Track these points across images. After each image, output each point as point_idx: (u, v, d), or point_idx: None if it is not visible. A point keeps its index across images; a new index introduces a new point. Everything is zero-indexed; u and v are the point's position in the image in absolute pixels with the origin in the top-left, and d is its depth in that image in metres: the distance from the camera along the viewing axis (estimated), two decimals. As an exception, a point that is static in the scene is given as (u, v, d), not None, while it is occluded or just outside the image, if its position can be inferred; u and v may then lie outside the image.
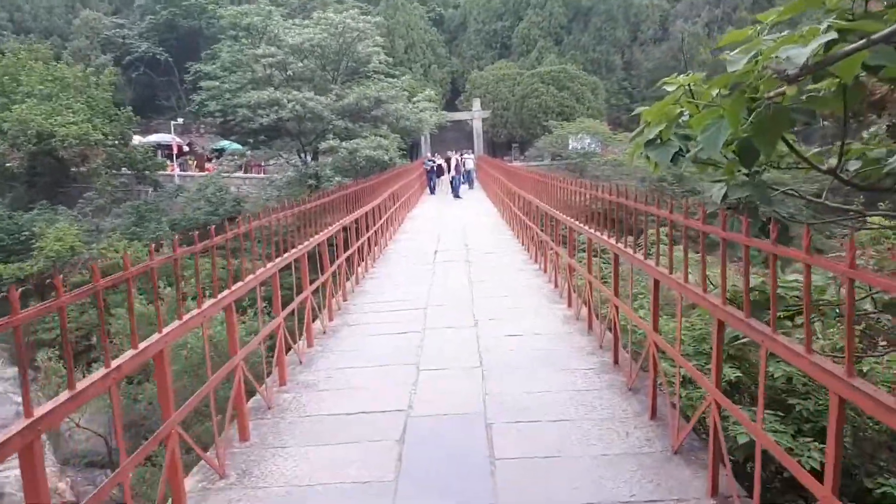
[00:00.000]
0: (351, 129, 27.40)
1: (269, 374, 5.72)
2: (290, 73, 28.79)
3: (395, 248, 13.69)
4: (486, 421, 4.66)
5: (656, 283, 4.49)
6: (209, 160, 37.08)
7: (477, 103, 45.88)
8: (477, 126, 46.37)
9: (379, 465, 4.08)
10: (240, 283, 4.74)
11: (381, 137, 26.44)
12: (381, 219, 13.17)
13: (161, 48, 43.92)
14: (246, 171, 34.42)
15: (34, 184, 30.10)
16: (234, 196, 29.52)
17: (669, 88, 3.68)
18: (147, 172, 32.05)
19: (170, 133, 37.44)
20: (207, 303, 4.11)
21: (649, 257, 4.73)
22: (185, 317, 3.72)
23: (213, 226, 4.43)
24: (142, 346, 3.17)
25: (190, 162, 37.60)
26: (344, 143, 25.67)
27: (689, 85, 3.64)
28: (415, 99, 32.49)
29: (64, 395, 2.56)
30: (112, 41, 43.16)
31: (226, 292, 4.45)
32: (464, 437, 4.42)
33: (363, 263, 10.82)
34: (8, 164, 28.87)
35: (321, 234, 7.61)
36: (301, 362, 6.21)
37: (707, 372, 3.99)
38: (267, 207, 6.18)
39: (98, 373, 2.80)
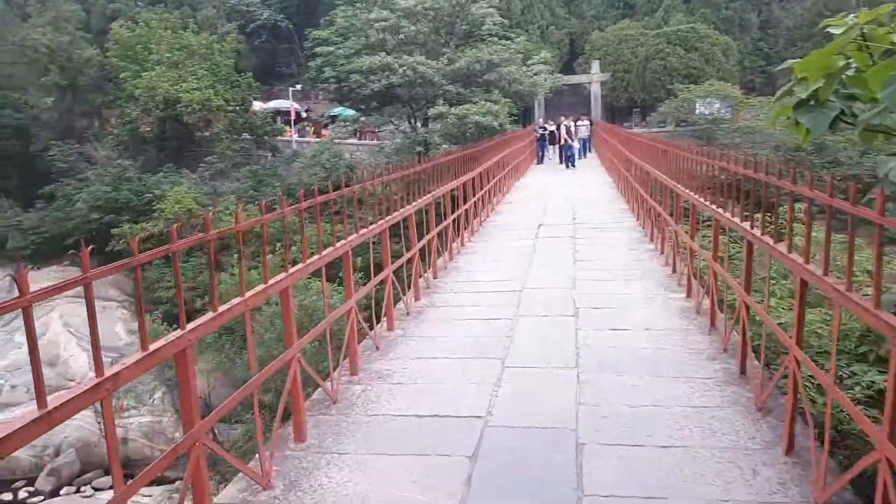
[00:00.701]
0: (462, 94, 26.63)
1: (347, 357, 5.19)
2: (402, 37, 28.33)
3: (496, 221, 12.90)
4: (578, 440, 3.88)
5: (803, 283, 3.50)
6: (325, 126, 37.60)
7: (596, 66, 43.73)
8: (595, 90, 44.26)
9: (443, 488, 3.43)
10: (329, 249, 4.63)
11: (491, 103, 25.49)
12: (482, 189, 12.43)
13: (282, 15, 44.85)
14: (360, 138, 34.61)
15: (163, 147, 31.60)
16: (347, 162, 29.70)
17: (835, 31, 2.74)
18: (266, 138, 32.85)
19: (289, 99, 38.27)
20: (294, 268, 4.04)
21: (794, 250, 3.73)
22: (271, 281, 3.67)
23: (315, 187, 4.53)
24: (221, 308, 3.16)
25: (308, 128, 38.30)
26: (453, 109, 24.97)
27: (861, 26, 2.68)
28: (529, 62, 31.19)
29: (136, 355, 2.57)
30: (237, 9, 44.46)
31: (315, 258, 4.38)
32: (548, 460, 3.68)
33: (459, 237, 10.16)
34: (140, 129, 30.37)
35: (409, 206, 7.00)
36: (378, 348, 5.66)
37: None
38: (366, 173, 5.83)
39: (174, 334, 2.83)
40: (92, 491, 17.29)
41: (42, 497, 16.91)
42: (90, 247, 2.52)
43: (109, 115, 34.41)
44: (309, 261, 4.28)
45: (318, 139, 34.45)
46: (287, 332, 4.03)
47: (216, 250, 3.26)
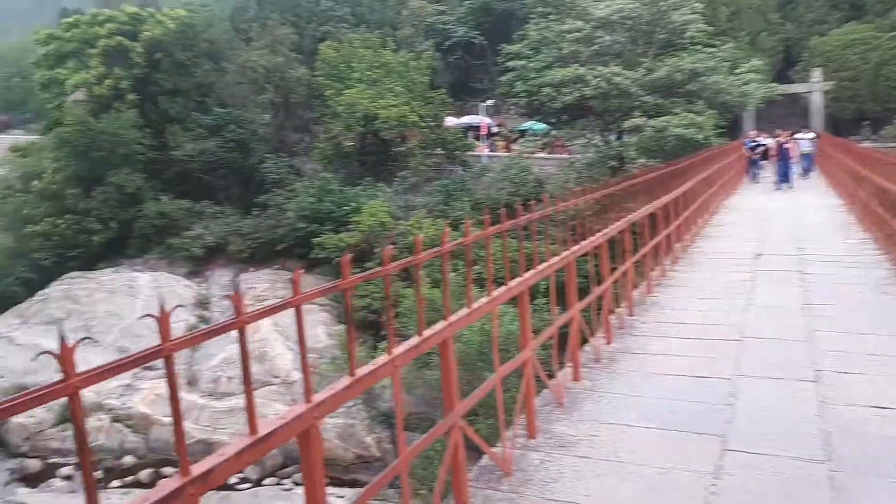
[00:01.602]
0: (661, 105, 24.86)
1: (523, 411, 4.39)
2: (596, 47, 27.14)
3: (703, 248, 11.34)
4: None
5: None
6: (514, 141, 37.31)
7: (817, 74, 39.12)
8: (815, 100, 39.61)
9: None
10: (531, 272, 4.39)
11: (694, 114, 23.48)
12: (686, 210, 11.04)
13: (476, 32, 45.43)
14: (551, 152, 33.85)
15: (364, 162, 33.06)
16: (535, 177, 29.06)
17: None
18: (457, 153, 33.20)
19: (480, 115, 38.45)
20: (498, 290, 3.89)
21: None
22: (474, 305, 3.56)
23: (519, 205, 4.34)
24: (426, 333, 3.08)
25: (498, 143, 38.28)
26: (651, 122, 23.34)
27: None
28: (737, 70, 28.49)
29: (344, 381, 2.54)
30: (434, 28, 45.80)
31: (516, 280, 4.18)
32: None
33: (659, 265, 8.94)
34: (342, 144, 32.03)
35: (604, 230, 6.05)
36: (560, 404, 4.78)
37: None
38: (563, 189, 5.13)
39: (380, 359, 2.78)
40: (292, 485, 18.14)
41: (249, 484, 18.03)
42: (297, 268, 2.57)
43: (317, 130, 36.79)
44: (527, 274, 4.23)
45: (507, 154, 34.20)
46: (523, 336, 3.37)
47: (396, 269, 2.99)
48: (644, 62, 26.66)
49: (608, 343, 6.12)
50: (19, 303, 26.11)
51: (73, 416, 1.59)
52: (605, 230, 6.24)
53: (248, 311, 2.06)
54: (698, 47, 28.05)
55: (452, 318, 3.29)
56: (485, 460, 3.95)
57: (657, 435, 4.25)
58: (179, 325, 23.64)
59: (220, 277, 27.59)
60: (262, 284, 26.34)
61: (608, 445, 4.14)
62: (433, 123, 32.81)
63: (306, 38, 39.93)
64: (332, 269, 26.03)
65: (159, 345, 1.78)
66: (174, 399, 1.87)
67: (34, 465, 18.66)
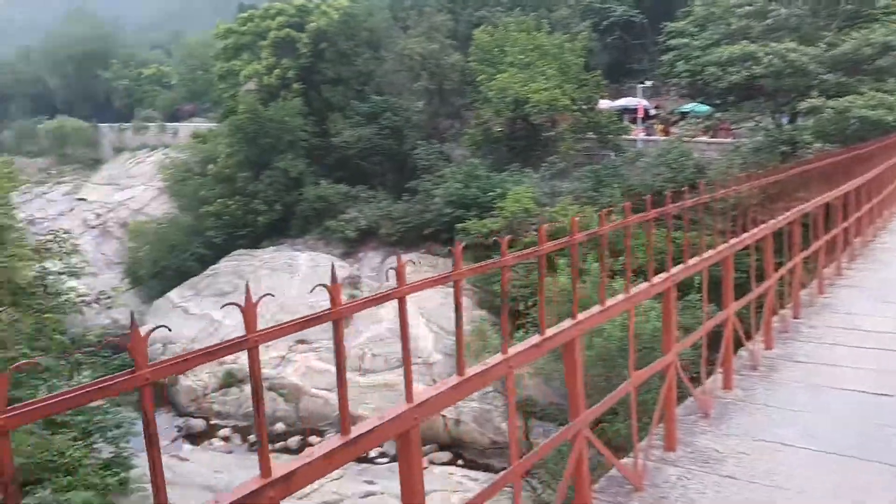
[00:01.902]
0: (844, 83, 22.29)
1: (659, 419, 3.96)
2: (769, 21, 24.85)
3: (888, 244, 9.92)
4: None
5: None
6: (673, 124, 35.31)
7: None
8: None
9: None
10: (679, 267, 3.92)
11: (883, 94, 20.83)
12: (869, 201, 9.71)
13: (636, 10, 43.41)
14: (713, 136, 31.67)
15: (512, 147, 32.82)
16: (695, 162, 27.30)
17: None
18: (610, 137, 32.00)
19: (637, 97, 36.75)
20: (638, 287, 3.54)
21: None
22: (609, 302, 3.25)
23: (671, 192, 3.93)
24: (549, 332, 2.86)
25: (656, 126, 36.45)
26: (830, 102, 20.99)
27: None
28: (942, 42, 24.91)
29: (451, 380, 2.37)
30: (591, 8, 44.30)
31: (661, 276, 3.72)
32: None
33: (835, 262, 7.90)
34: (492, 129, 31.95)
35: (770, 221, 5.37)
36: (706, 414, 4.27)
37: None
38: (725, 176, 4.64)
39: (494, 359, 2.59)
40: (427, 463, 18.50)
41: (387, 459, 18.63)
42: (453, 246, 2.55)
43: (468, 116, 37.01)
44: (675, 269, 3.78)
45: (665, 137, 32.45)
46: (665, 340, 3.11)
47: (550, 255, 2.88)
48: (825, 36, 24.05)
49: (768, 348, 5.44)
50: (194, 276, 28.65)
51: (251, 369, 1.69)
52: (772, 221, 5.53)
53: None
54: (894, 17, 24.89)
55: (582, 315, 3.02)
56: (614, 471, 3.58)
57: (821, 458, 3.65)
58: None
59: (371, 259, 28.62)
60: (408, 267, 26.94)
61: (760, 465, 3.61)
62: (586, 107, 31.82)
63: (462, 23, 40.19)
64: (475, 255, 26.14)
65: (330, 308, 1.84)
66: (339, 356, 1.95)
67: (198, 424, 20.40)
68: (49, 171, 49.35)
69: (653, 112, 37.56)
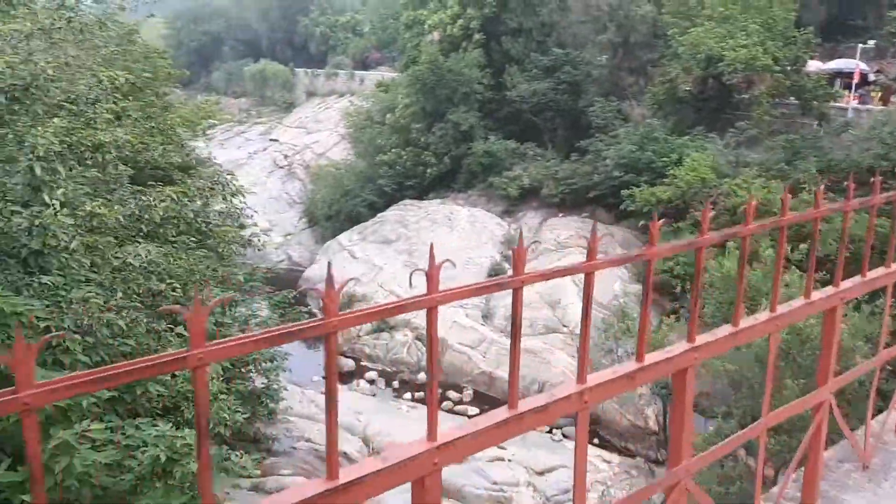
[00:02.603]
0: None
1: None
2: None
3: None
4: None
5: None
6: (895, 92, 30.40)
7: None
8: None
9: None
10: None
11: None
12: None
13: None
14: (949, 108, 26.89)
15: (699, 109, 30.20)
16: (918, 137, 23.33)
17: None
18: (815, 103, 28.29)
19: (855, 58, 32.03)
20: (849, 281, 3.07)
21: None
22: (815, 295, 2.86)
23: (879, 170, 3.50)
24: (744, 324, 2.50)
25: (873, 94, 31.68)
26: None
27: None
28: None
29: (629, 366, 2.13)
30: (813, -46, 39.08)
31: (880, 271, 3.21)
32: None
33: None
34: (677, 88, 29.53)
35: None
36: (865, 466, 3.31)
37: None
38: None
39: (678, 347, 2.27)
40: (562, 436, 18.05)
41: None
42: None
43: (654, 73, 34.58)
44: (873, 273, 3.18)
45: (882, 107, 28.11)
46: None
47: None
48: None
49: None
50: (363, 221, 29.81)
51: (429, 330, 1.65)
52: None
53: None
54: None
55: (782, 308, 2.69)
56: None
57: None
58: (485, 260, 24.68)
59: (531, 219, 27.99)
60: (566, 231, 26.08)
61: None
62: (790, 67, 28.32)
63: (658, -29, 37.17)
64: (640, 224, 24.57)
65: (513, 276, 1.78)
66: (516, 326, 1.84)
67: (348, 364, 21.35)
68: (249, 112, 53.63)
69: (872, 77, 32.58)
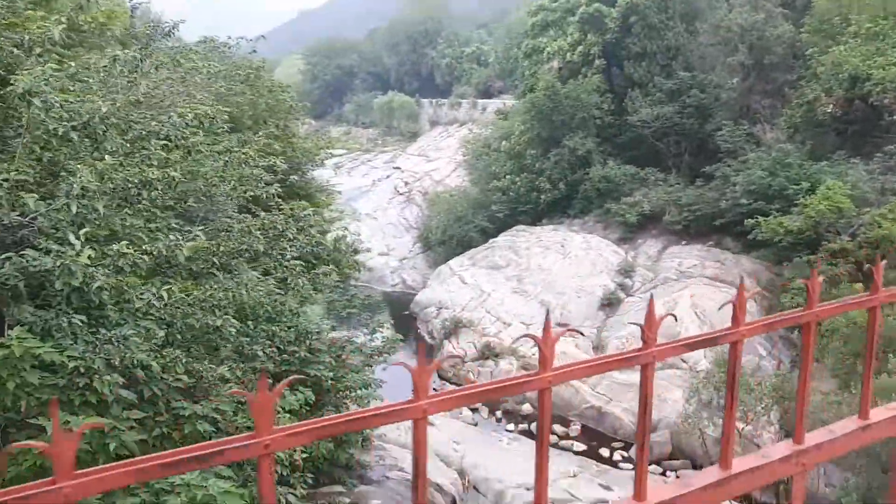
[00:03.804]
0: None
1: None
2: None
3: None
4: None
5: None
6: None
7: None
8: None
9: None
10: None
11: None
12: None
13: None
14: None
15: (841, 132, 27.77)
16: None
17: None
18: None
19: None
20: None
21: None
22: None
23: None
24: None
25: None
26: None
27: None
28: None
29: (848, 423, 1.90)
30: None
31: None
32: None
33: None
34: (816, 110, 27.37)
35: None
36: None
37: None
38: None
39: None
40: (674, 476, 16.84)
41: (632, 466, 17.29)
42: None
43: (791, 95, 32.30)
44: None
45: None
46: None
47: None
48: None
49: None
50: (474, 247, 29.69)
51: (643, 383, 1.56)
52: None
53: (821, 306, 1.69)
54: None
55: None
56: None
57: None
58: (598, 289, 23.70)
59: (649, 247, 26.69)
60: (689, 260, 24.60)
61: None
62: (952, 86, 25.37)
63: (799, -12, 34.93)
64: (770, 254, 22.67)
65: (731, 328, 1.65)
66: (732, 381, 1.68)
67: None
68: (377, 141, 55.57)
69: None
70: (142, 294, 5.33)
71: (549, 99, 31.95)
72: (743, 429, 14.79)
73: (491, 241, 29.37)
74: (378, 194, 42.12)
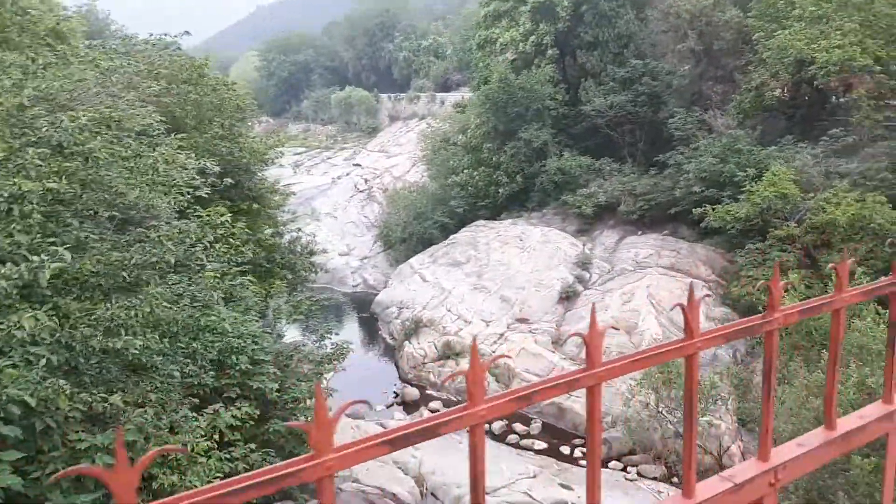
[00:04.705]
0: None
1: None
2: None
3: None
4: None
5: None
6: None
7: None
8: None
9: None
10: None
11: None
12: None
13: None
14: None
15: (791, 116, 28.19)
16: None
17: None
18: (923, 104, 25.70)
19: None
20: None
21: None
22: None
23: None
24: None
25: None
26: None
27: None
28: None
29: (816, 435, 1.78)
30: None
31: None
32: None
33: None
34: (764, 95, 27.70)
35: None
36: None
37: None
38: None
39: (871, 409, 1.86)
40: (636, 475, 16.88)
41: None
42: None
43: (742, 80, 32.66)
44: None
45: None
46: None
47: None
48: None
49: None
50: (435, 244, 29.56)
51: (590, 407, 1.41)
52: None
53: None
54: None
55: None
56: None
57: None
58: (556, 282, 23.76)
59: (606, 238, 26.82)
60: (645, 250, 24.77)
61: None
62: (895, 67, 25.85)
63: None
64: (724, 241, 22.94)
65: (684, 340, 1.51)
66: (689, 396, 1.55)
67: (413, 393, 20.91)
68: (336, 138, 55.00)
69: None
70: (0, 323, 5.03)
71: (503, 91, 31.85)
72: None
73: (451, 237, 29.27)
74: (338, 192, 41.71)
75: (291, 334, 17.56)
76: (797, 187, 19.18)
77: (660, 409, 15.79)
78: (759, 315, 1.61)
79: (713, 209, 20.98)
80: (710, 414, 16.10)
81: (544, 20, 34.61)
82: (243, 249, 11.15)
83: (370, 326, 26.69)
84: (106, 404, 5.45)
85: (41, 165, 5.73)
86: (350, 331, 26.65)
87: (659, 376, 14.54)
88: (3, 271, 4.89)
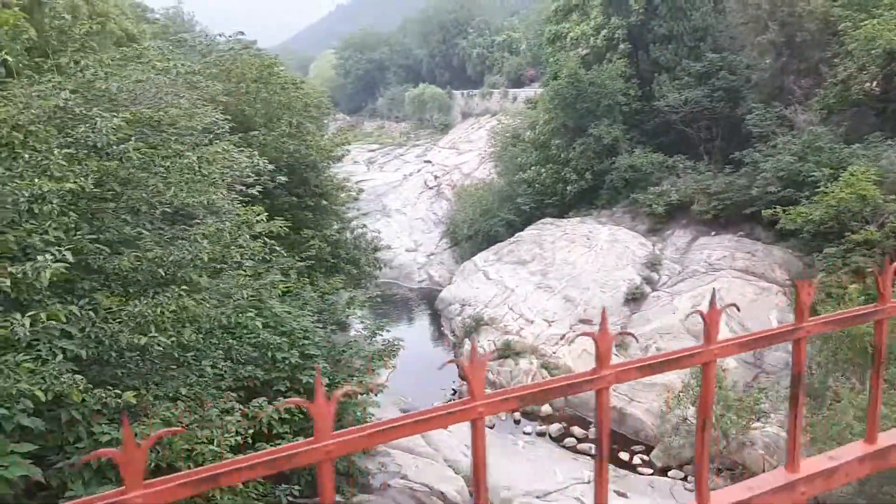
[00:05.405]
0: None
1: None
2: None
3: None
4: None
5: None
6: None
7: None
8: None
9: None
10: None
11: None
12: None
13: None
14: None
15: (880, 111, 26.52)
16: None
17: None
18: None
19: None
20: None
21: None
22: None
23: None
24: None
25: None
26: None
27: None
28: None
29: (855, 448, 1.76)
30: None
31: None
32: None
33: None
34: (851, 89, 26.19)
35: None
36: None
37: None
38: None
39: None
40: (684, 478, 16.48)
41: (651, 470, 17.02)
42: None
43: (826, 74, 30.99)
44: None
45: None
46: None
47: None
48: None
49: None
50: (500, 241, 29.50)
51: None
52: None
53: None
54: None
55: None
56: None
57: None
58: (622, 283, 23.33)
59: (678, 238, 26.07)
60: (719, 251, 23.93)
61: None
62: None
63: (830, -39, 33.41)
64: (802, 244, 21.87)
65: (701, 347, 1.52)
66: (703, 413, 1.58)
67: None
68: (409, 135, 55.61)
69: None
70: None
71: (572, 86, 31.37)
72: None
73: (517, 234, 29.13)
74: (408, 189, 42.21)
75: (354, 329, 17.91)
76: (879, 188, 18.07)
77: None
78: (787, 324, 1.58)
79: (785, 211, 20.05)
80: (769, 424, 15.55)
81: (616, 14, 33.89)
82: (278, 248, 11.36)
83: (437, 322, 26.94)
84: (119, 400, 5.75)
85: (65, 165, 6.09)
86: (417, 327, 27.00)
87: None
88: (34, 265, 5.21)
